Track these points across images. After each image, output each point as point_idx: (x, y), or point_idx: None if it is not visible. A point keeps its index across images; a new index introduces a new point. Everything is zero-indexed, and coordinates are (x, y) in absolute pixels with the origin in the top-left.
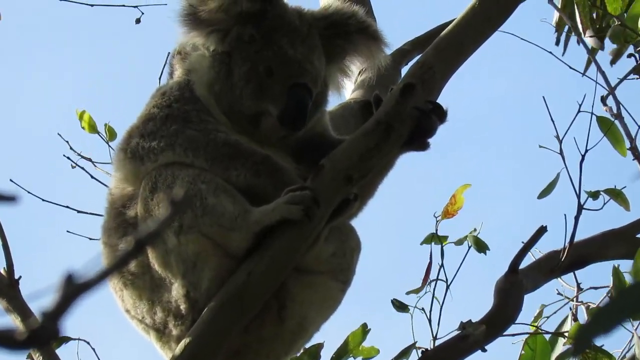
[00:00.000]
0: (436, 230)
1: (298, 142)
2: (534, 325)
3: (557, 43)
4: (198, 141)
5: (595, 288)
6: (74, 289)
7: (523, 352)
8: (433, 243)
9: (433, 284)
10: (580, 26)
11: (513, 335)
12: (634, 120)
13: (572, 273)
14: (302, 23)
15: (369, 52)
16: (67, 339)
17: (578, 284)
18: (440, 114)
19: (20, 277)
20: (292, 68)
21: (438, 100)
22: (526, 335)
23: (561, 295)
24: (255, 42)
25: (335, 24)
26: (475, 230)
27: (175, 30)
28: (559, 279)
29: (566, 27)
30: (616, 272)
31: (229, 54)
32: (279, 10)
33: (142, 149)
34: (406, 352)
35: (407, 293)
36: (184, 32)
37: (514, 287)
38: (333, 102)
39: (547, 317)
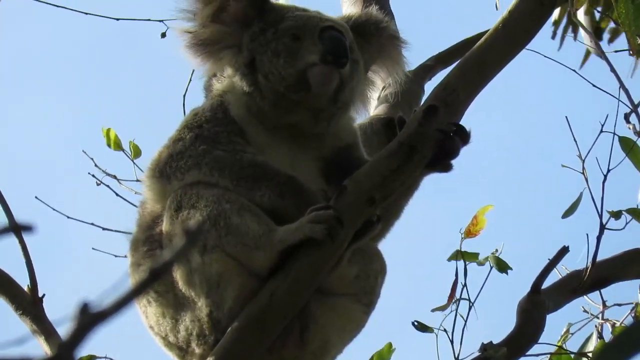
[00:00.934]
0: (460, 247)
1: (327, 160)
2: (558, 345)
3: (554, 37)
4: (224, 161)
5: (620, 305)
6: (89, 319)
7: None
8: (458, 260)
9: (457, 303)
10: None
11: (536, 355)
12: None
13: (597, 290)
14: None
15: (390, 54)
16: (94, 357)
17: (604, 302)
18: (463, 136)
19: (44, 295)
20: (314, 21)
21: (461, 122)
22: (548, 355)
23: (587, 312)
24: (269, 28)
25: (354, 21)
26: (496, 250)
27: (191, 65)
28: (584, 296)
29: (563, 23)
30: None
31: (252, 62)
32: (278, 5)
33: (169, 168)
34: None
35: (432, 310)
36: (198, 63)
37: (536, 307)
38: (358, 119)
39: (572, 334)
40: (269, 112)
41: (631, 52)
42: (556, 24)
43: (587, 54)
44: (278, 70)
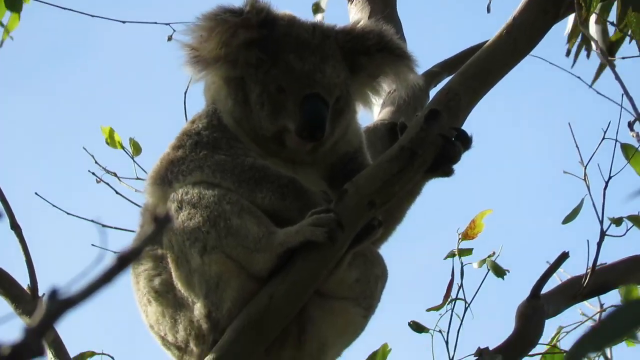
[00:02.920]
0: (457, 248)
1: (333, 165)
2: (551, 345)
3: (568, 54)
4: (226, 164)
5: (617, 307)
6: (58, 306)
7: None
8: (455, 259)
9: (453, 304)
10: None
11: (531, 356)
12: None
13: (597, 296)
14: (314, 35)
15: (396, 70)
16: (92, 354)
17: (601, 304)
18: (464, 141)
19: (44, 294)
20: (301, 81)
21: (463, 127)
22: (540, 355)
23: (584, 315)
24: (263, 63)
25: (355, 38)
26: (493, 254)
27: (186, 73)
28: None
29: (578, 40)
30: (627, 291)
31: (243, 78)
32: (284, 28)
33: (170, 174)
34: None
35: (428, 310)
36: (194, 73)
37: (535, 312)
38: (362, 119)
39: (567, 333)
40: (251, 131)
41: None
42: (571, 40)
43: (601, 68)
44: (260, 117)
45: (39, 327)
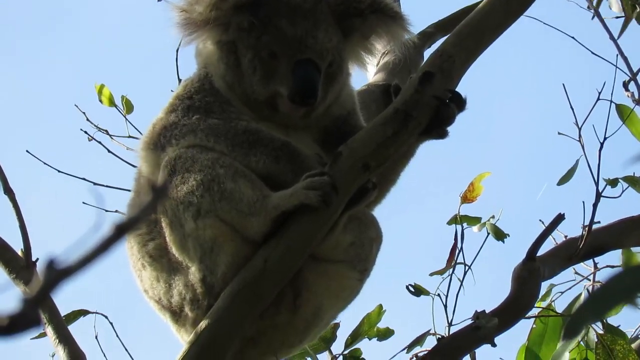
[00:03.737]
0: (459, 211)
1: (326, 128)
2: (545, 307)
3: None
4: (219, 128)
5: (612, 267)
6: (55, 275)
7: (535, 325)
8: (458, 224)
9: (452, 268)
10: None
11: (528, 318)
12: None
13: (593, 258)
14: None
15: (389, 31)
16: (85, 312)
17: (595, 264)
18: (458, 103)
19: (37, 259)
20: (293, 46)
21: (457, 89)
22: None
23: (578, 274)
24: (255, 28)
25: (347, 0)
26: (493, 217)
27: (176, 37)
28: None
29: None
30: (627, 255)
31: (235, 43)
32: None
33: (163, 138)
34: (420, 339)
35: (431, 274)
36: (185, 36)
37: (531, 274)
38: (356, 81)
39: (562, 293)
40: (243, 95)
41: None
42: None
43: (626, 21)
44: (252, 82)
45: (36, 297)
